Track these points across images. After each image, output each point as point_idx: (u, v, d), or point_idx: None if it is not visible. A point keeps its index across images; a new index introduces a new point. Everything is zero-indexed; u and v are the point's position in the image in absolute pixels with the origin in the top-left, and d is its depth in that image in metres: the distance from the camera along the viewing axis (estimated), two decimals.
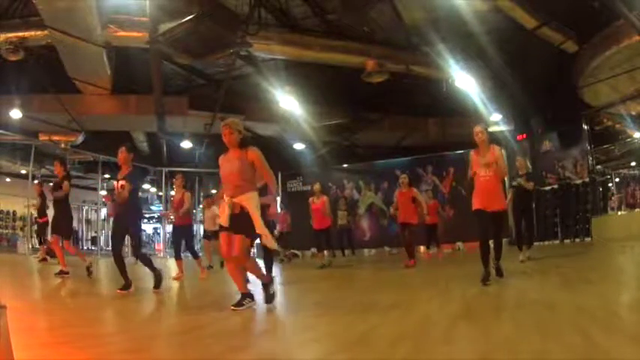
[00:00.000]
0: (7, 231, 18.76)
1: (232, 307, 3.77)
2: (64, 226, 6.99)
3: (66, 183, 6.98)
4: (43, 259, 9.97)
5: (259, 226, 3.75)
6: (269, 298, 4.00)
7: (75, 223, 20.37)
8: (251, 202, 3.76)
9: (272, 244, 4.10)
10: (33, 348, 2.46)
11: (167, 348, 2.70)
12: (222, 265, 9.32)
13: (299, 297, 5.45)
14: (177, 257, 7.71)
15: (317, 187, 9.80)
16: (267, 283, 4.03)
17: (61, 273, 6.80)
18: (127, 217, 5.30)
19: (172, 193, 17.30)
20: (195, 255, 8.23)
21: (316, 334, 2.94)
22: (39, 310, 4.01)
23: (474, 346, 2.46)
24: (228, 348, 2.65)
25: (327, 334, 2.91)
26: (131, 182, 5.27)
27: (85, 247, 20.13)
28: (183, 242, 8.04)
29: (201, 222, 14.71)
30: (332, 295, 5.46)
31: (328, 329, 3.09)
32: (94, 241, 19.80)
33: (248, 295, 3.89)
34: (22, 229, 17.95)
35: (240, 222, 3.74)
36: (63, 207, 6.98)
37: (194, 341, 2.91)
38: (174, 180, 8.30)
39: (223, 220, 3.83)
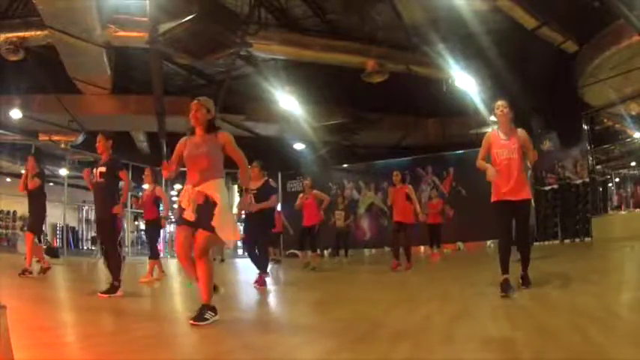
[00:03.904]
0: (7, 231, 18.76)
1: (191, 322, 3.15)
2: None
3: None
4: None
5: (219, 218, 3.23)
6: (199, 317, 3.16)
7: (75, 223, 20.49)
8: (217, 191, 3.35)
9: (230, 244, 3.51)
10: (33, 348, 2.46)
11: (167, 348, 2.70)
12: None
13: (299, 297, 5.45)
14: (156, 256, 7.02)
15: (307, 182, 9.29)
16: (207, 304, 3.25)
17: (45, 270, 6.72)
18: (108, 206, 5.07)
19: (174, 193, 17.42)
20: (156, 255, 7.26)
21: (316, 334, 2.94)
22: (39, 310, 4.01)
23: (473, 346, 2.46)
24: (228, 348, 2.65)
25: (327, 334, 2.91)
26: (117, 168, 5.13)
27: (85, 247, 20.13)
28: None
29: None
30: (332, 295, 5.46)
31: (328, 329, 3.09)
32: (94, 241, 19.81)
33: (209, 308, 3.25)
34: (22, 229, 17.94)
35: (205, 215, 3.25)
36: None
37: (194, 341, 2.91)
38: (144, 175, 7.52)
39: (189, 214, 3.30)
